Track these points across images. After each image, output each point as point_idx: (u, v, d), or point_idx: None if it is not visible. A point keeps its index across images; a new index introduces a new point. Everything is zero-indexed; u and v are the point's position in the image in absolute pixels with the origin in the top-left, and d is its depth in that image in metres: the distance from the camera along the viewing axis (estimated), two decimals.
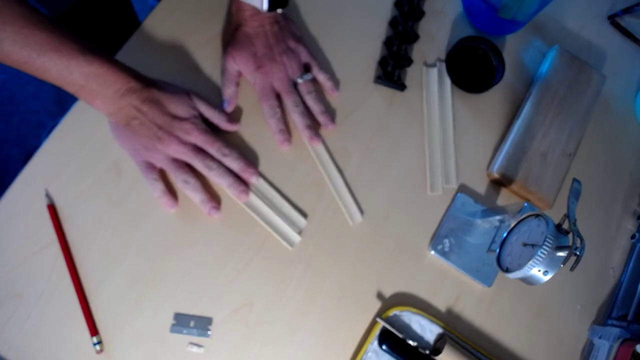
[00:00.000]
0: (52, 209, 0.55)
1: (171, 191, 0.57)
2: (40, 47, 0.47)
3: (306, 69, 0.63)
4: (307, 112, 0.61)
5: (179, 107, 0.55)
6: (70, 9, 0.76)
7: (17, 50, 0.47)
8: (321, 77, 0.63)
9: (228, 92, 0.60)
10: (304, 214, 0.60)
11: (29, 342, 0.52)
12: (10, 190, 0.56)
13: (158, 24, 0.63)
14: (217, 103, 0.61)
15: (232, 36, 0.61)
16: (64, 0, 0.76)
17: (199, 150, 0.55)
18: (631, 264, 0.66)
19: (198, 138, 0.55)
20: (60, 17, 0.79)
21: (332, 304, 0.58)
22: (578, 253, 0.45)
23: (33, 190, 0.56)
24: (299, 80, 0.61)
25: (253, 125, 0.62)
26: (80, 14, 0.80)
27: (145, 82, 0.54)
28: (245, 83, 0.63)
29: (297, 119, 0.60)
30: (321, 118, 0.61)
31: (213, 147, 0.56)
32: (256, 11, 0.59)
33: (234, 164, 0.57)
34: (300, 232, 0.59)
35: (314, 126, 0.61)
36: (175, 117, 0.54)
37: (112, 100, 0.52)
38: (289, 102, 0.60)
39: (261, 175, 0.60)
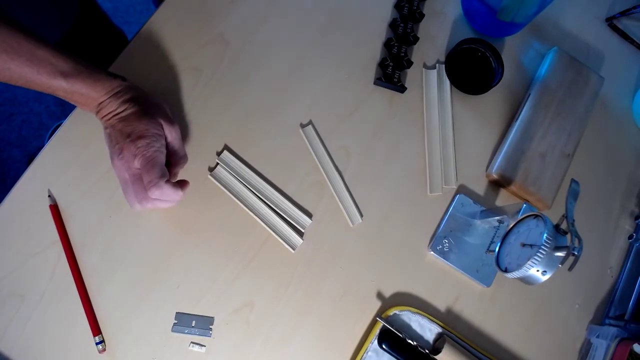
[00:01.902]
0: (55, 209, 0.55)
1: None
2: (19, 71, 0.48)
3: None
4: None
5: (141, 127, 0.52)
6: (60, 40, 0.77)
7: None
8: None
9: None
10: (309, 214, 0.60)
11: (32, 341, 0.52)
12: (13, 191, 0.56)
13: (159, 26, 0.63)
14: (221, 105, 0.62)
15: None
16: (54, 32, 0.76)
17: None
18: (628, 264, 0.66)
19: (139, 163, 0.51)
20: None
21: (333, 303, 0.58)
22: (576, 253, 0.45)
23: (36, 191, 0.56)
24: None
25: (256, 124, 0.62)
26: (72, 44, 0.80)
27: (123, 97, 0.52)
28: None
29: None
30: None
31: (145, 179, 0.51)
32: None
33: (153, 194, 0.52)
34: (302, 235, 0.60)
35: None
36: (134, 137, 0.51)
37: (94, 111, 0.53)
38: None
39: (262, 176, 0.61)
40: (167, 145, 0.54)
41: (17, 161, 1.35)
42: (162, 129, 0.53)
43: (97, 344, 0.52)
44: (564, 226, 0.48)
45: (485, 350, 0.59)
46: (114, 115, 0.52)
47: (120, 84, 0.53)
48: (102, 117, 0.52)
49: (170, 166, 0.55)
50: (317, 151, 0.63)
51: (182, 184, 0.54)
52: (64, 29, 0.76)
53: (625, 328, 0.60)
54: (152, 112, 0.52)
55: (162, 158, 0.51)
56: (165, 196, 0.51)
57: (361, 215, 0.62)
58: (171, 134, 0.54)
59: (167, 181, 0.50)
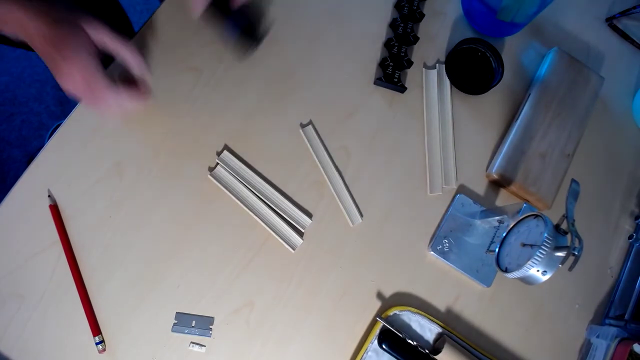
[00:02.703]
0: (55, 209, 0.55)
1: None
2: None
3: None
4: None
5: (70, 46, 0.50)
6: None
7: None
8: None
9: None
10: (309, 214, 0.60)
11: (32, 341, 0.52)
12: (13, 191, 0.56)
13: (159, 25, 0.63)
14: (221, 105, 0.62)
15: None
16: None
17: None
18: (629, 264, 0.66)
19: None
20: None
21: (333, 303, 0.58)
22: (576, 253, 0.45)
23: (35, 191, 0.56)
24: None
25: (256, 124, 0.62)
26: None
27: (47, 17, 0.50)
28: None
29: None
30: None
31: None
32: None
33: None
34: (302, 235, 0.60)
35: None
36: (67, 57, 0.50)
37: (16, 30, 0.51)
38: None
39: (262, 176, 0.61)
40: (100, 46, 0.52)
41: (17, 161, 1.35)
42: (87, 33, 0.51)
43: (97, 344, 0.52)
44: (564, 226, 0.48)
45: (485, 350, 0.59)
46: (42, 37, 0.50)
47: (40, 4, 0.50)
48: (30, 38, 0.50)
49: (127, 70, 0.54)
50: (317, 151, 0.63)
51: (137, 87, 0.54)
52: None
53: (625, 328, 0.60)
54: (73, 21, 0.51)
55: (97, 63, 0.50)
56: (125, 95, 0.52)
57: (361, 215, 0.62)
58: (96, 36, 0.51)
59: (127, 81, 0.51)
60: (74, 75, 0.50)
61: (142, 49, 0.62)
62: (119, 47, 0.53)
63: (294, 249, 0.59)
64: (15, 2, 0.50)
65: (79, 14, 0.52)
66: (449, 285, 0.62)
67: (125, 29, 0.93)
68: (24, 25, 0.50)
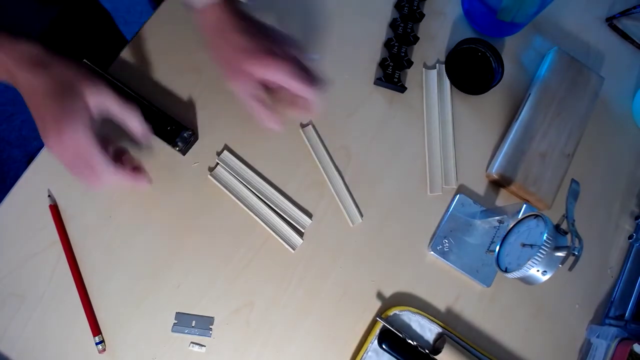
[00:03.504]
0: (55, 209, 0.55)
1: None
2: None
3: None
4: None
5: (65, 112, 0.45)
6: (48, 27, 0.76)
7: None
8: None
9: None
10: (309, 214, 0.60)
11: (32, 341, 0.52)
12: (13, 191, 0.56)
13: (160, 26, 0.63)
14: (221, 106, 0.62)
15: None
16: (41, 19, 0.76)
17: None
18: (628, 264, 0.66)
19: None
20: (43, 36, 0.79)
21: (333, 303, 0.58)
22: (576, 253, 0.45)
23: (35, 191, 0.56)
24: None
25: (256, 124, 0.62)
26: (60, 32, 0.79)
27: (39, 65, 0.45)
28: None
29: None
30: None
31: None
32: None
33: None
34: (302, 235, 0.60)
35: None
36: (61, 126, 0.44)
37: (6, 79, 0.47)
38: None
39: (262, 176, 0.61)
40: (99, 114, 0.47)
41: (17, 161, 1.35)
42: (85, 100, 0.45)
43: (97, 344, 0.52)
44: (564, 226, 0.48)
45: (485, 350, 0.59)
46: (31, 90, 0.45)
47: (30, 49, 0.45)
48: (20, 89, 0.46)
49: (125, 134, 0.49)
50: (317, 151, 0.63)
51: (133, 167, 0.49)
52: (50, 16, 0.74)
53: (625, 328, 0.60)
54: (71, 84, 0.45)
55: (92, 136, 0.45)
56: (117, 176, 0.47)
57: (361, 215, 0.62)
58: (98, 103, 0.46)
59: (118, 159, 0.46)
60: (65, 144, 0.44)
61: (142, 49, 0.62)
62: (125, 116, 0.48)
63: (294, 249, 0.59)
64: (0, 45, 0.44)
65: (83, 75, 0.46)
66: (449, 285, 0.62)
67: (115, 39, 0.93)
68: (10, 71, 0.45)
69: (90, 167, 0.46)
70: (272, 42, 0.51)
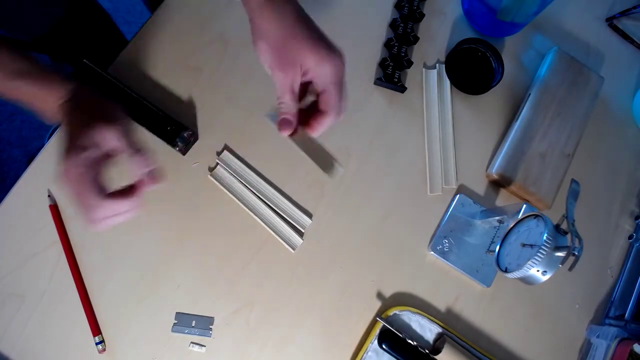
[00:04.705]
0: (55, 209, 0.55)
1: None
2: None
3: None
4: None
5: (80, 138, 0.46)
6: (49, 28, 0.76)
7: None
8: None
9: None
10: (309, 214, 0.60)
11: (32, 341, 0.52)
12: (13, 191, 0.56)
13: (159, 26, 0.63)
14: (221, 105, 0.62)
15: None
16: (43, 22, 0.76)
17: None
18: (628, 264, 0.66)
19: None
20: (43, 38, 0.79)
21: (333, 303, 0.58)
22: (576, 253, 0.45)
23: (36, 191, 0.56)
24: None
25: (256, 124, 0.62)
26: (61, 32, 0.80)
27: (73, 103, 0.48)
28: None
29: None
30: None
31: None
32: None
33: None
34: (302, 235, 0.60)
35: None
36: (76, 148, 0.46)
37: (51, 116, 0.50)
38: None
39: (262, 176, 0.61)
40: (112, 151, 0.48)
41: (17, 161, 1.35)
42: (97, 136, 0.46)
43: (97, 344, 0.52)
44: (564, 226, 0.48)
45: (485, 350, 0.59)
46: (65, 123, 0.47)
47: (74, 89, 0.49)
48: (61, 120, 0.48)
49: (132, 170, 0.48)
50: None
51: (132, 189, 0.48)
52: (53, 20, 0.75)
53: (625, 328, 0.60)
54: (89, 120, 0.47)
55: (92, 173, 0.46)
56: (113, 212, 0.46)
57: (361, 215, 0.62)
58: (109, 140, 0.47)
59: (110, 194, 0.46)
60: (67, 178, 0.45)
61: (142, 49, 0.62)
62: (134, 160, 0.47)
63: (294, 249, 0.59)
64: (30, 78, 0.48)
65: (109, 115, 0.48)
66: (449, 285, 0.62)
67: (115, 39, 0.93)
68: (53, 109, 0.48)
69: (86, 207, 0.46)
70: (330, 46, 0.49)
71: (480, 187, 0.66)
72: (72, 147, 0.45)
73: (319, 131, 0.49)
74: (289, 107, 0.49)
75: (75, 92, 0.49)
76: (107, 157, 0.48)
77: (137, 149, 0.47)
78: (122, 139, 0.47)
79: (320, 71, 0.47)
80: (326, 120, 0.49)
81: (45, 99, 0.49)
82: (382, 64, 0.67)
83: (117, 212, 0.47)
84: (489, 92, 0.68)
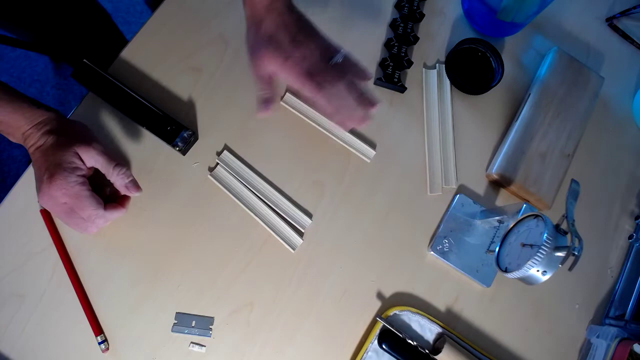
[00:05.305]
0: (46, 214, 0.55)
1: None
2: None
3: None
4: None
5: (56, 160, 0.49)
6: (49, 28, 0.76)
7: None
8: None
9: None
10: (309, 214, 0.60)
11: (32, 341, 0.52)
12: (13, 191, 0.56)
13: (159, 26, 0.63)
14: (221, 105, 0.62)
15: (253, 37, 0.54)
16: (43, 22, 0.76)
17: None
18: (628, 264, 0.66)
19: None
20: (43, 38, 0.79)
21: (333, 303, 0.58)
22: (576, 253, 0.45)
23: (35, 191, 0.56)
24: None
25: (256, 124, 0.62)
26: (61, 32, 0.80)
27: (44, 128, 0.51)
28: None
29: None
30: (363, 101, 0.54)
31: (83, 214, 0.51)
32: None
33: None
34: (302, 235, 0.60)
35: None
36: (48, 175, 0.49)
37: (21, 141, 0.52)
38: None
39: (262, 176, 0.61)
40: (92, 170, 0.52)
41: (17, 161, 1.35)
42: (79, 157, 0.50)
43: (100, 343, 0.52)
44: (564, 226, 0.48)
45: (485, 350, 0.59)
46: (35, 148, 0.50)
47: (43, 114, 0.51)
48: (28, 148, 0.51)
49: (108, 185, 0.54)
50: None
51: (122, 201, 0.55)
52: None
53: (625, 328, 0.60)
54: (67, 143, 0.50)
55: (84, 189, 0.50)
56: (110, 220, 0.53)
57: (361, 215, 0.62)
58: (89, 160, 0.51)
59: (106, 205, 0.52)
60: (58, 198, 0.49)
61: (142, 49, 0.62)
62: (112, 174, 0.52)
63: (294, 249, 0.59)
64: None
65: (81, 136, 0.51)
66: (449, 285, 0.62)
67: (115, 39, 0.93)
68: (25, 135, 0.51)
69: (82, 216, 0.51)
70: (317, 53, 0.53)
71: (480, 187, 0.66)
72: (60, 168, 0.49)
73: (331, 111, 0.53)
74: (266, 92, 0.54)
75: (44, 118, 0.51)
76: (89, 174, 0.52)
77: (116, 163, 0.52)
78: (101, 155, 0.51)
79: (283, 75, 0.52)
80: (323, 106, 0.53)
81: (10, 124, 0.51)
82: (382, 64, 0.67)
83: (112, 219, 0.53)
84: (489, 92, 0.68)
